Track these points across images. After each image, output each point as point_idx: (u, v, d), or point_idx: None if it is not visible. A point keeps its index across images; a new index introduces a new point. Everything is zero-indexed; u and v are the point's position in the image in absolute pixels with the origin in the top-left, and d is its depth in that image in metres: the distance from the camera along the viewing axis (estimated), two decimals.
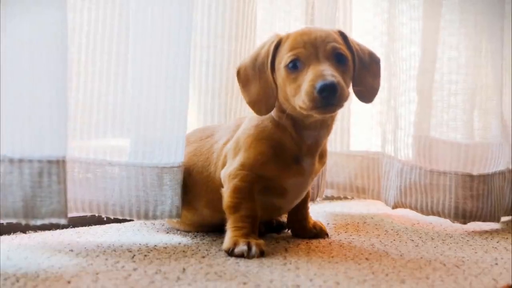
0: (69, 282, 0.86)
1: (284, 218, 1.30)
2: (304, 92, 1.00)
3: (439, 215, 1.41)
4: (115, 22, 1.16)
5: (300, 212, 1.23)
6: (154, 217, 1.15)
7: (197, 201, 1.18)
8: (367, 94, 1.12)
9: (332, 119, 1.12)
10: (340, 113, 1.58)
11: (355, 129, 1.65)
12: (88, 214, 1.16)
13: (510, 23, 1.53)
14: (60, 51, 0.99)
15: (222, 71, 1.37)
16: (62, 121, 1.00)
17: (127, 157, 1.14)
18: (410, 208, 1.44)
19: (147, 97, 1.13)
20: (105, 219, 1.21)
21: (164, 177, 1.14)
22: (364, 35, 1.59)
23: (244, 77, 1.10)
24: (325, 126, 1.11)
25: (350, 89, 1.08)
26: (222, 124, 1.28)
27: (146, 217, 1.15)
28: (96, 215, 1.16)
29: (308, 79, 1.00)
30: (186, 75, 1.15)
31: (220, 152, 1.16)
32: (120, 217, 1.16)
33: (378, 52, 1.54)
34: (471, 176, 1.39)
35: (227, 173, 1.10)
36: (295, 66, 1.03)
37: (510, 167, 1.49)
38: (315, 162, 1.13)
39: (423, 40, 1.46)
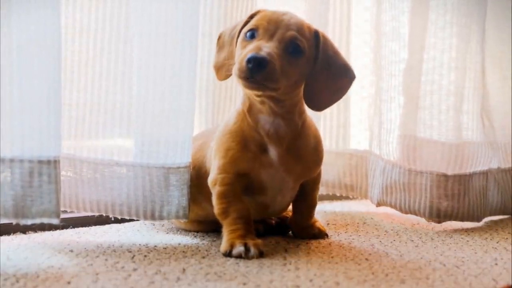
0: (69, 282, 0.86)
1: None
2: (238, 60, 1.02)
3: (416, 214, 1.41)
4: (122, 21, 1.16)
5: (302, 215, 1.22)
6: (161, 218, 1.15)
7: (199, 194, 1.18)
8: (315, 100, 1.10)
9: (285, 109, 1.09)
10: (331, 112, 1.59)
11: (346, 128, 1.64)
12: (96, 214, 1.16)
13: (510, 24, 1.54)
14: (53, 51, 0.99)
15: (209, 70, 1.35)
16: (54, 121, 0.99)
17: (133, 157, 1.14)
18: (391, 206, 1.45)
19: (153, 96, 1.13)
20: (111, 218, 1.21)
21: (170, 178, 1.14)
22: (362, 34, 1.59)
23: (221, 42, 1.15)
24: (279, 115, 1.09)
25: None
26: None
27: (152, 217, 1.15)
28: (97, 214, 1.16)
29: (247, 49, 1.02)
30: (193, 73, 1.14)
31: (210, 151, 1.16)
32: (128, 217, 1.16)
33: (372, 52, 1.56)
34: (446, 176, 1.39)
35: (210, 180, 1.12)
36: (252, 36, 1.06)
37: (504, 167, 1.49)
38: (283, 155, 1.10)
39: (410, 42, 1.44)
